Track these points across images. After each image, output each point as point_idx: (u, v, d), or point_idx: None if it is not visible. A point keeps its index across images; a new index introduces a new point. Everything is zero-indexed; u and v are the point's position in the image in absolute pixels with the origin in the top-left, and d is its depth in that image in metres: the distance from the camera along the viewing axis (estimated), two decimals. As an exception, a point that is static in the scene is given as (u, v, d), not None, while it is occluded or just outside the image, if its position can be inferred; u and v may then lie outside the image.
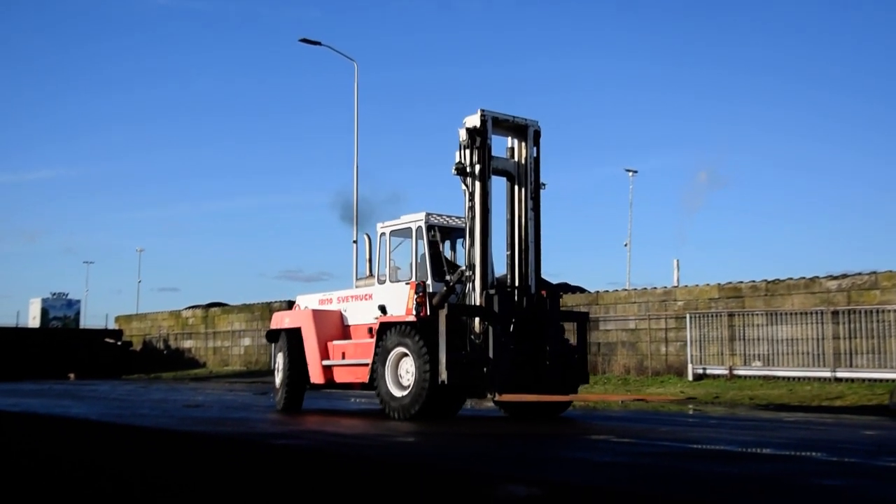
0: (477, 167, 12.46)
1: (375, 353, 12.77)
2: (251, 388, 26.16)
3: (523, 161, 12.97)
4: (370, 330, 13.49)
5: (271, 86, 72.24)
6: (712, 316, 23.69)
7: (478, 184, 12.46)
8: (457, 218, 13.90)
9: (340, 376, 14.18)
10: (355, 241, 28.16)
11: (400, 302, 13.04)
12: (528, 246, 12.75)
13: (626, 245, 31.84)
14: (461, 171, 12.49)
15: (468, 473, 7.38)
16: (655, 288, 26.13)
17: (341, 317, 14.61)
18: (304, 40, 27.91)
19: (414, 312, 12.41)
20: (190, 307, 44.25)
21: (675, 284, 29.43)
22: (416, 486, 6.65)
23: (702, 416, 14.94)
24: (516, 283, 12.75)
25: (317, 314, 14.60)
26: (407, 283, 13.04)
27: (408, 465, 8.02)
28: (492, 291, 12.24)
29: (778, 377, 21.58)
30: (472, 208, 12.46)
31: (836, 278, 23.02)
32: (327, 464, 8.08)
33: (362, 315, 14.09)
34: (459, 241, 14.07)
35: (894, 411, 15.03)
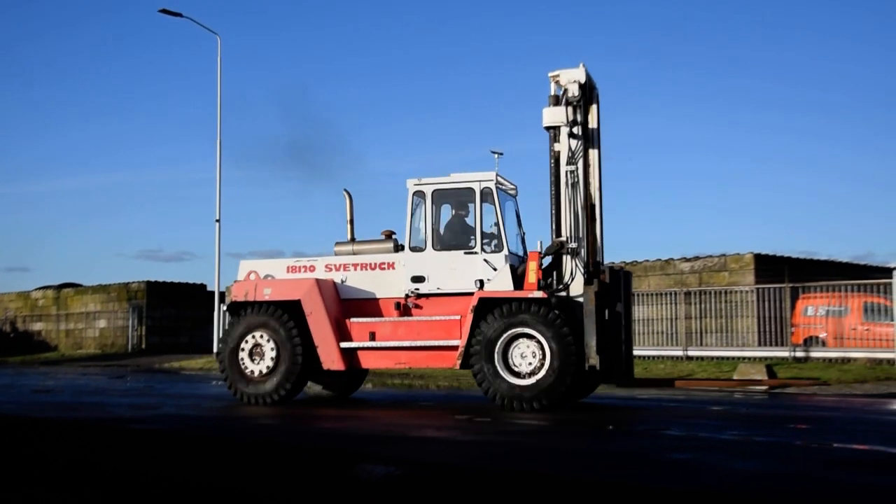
0: (579, 128, 11.26)
1: (475, 335, 10.95)
2: (106, 371, 25.22)
3: (595, 123, 11.61)
4: (398, 305, 11.73)
5: (132, 58, 69.43)
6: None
7: (582, 146, 11.27)
8: (504, 181, 12.26)
9: (369, 361, 11.96)
10: (218, 220, 27.40)
11: (453, 273, 11.45)
12: (598, 218, 11.47)
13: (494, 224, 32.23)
14: (569, 130, 11.22)
15: (334, 452, 7.34)
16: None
17: (335, 289, 12.15)
18: (164, 11, 26.87)
19: (539, 287, 10.87)
20: (40, 288, 42.17)
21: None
22: (278, 465, 6.57)
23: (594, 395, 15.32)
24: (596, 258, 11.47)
25: (322, 284, 11.94)
26: (492, 251, 11.41)
27: (266, 443, 7.91)
28: (618, 266, 11.38)
29: (635, 356, 22.33)
30: (573, 172, 11.19)
31: (689, 260, 24.07)
32: (186, 445, 7.87)
33: (380, 287, 11.94)
34: (507, 206, 12.19)
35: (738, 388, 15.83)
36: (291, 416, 11.13)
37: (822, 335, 20.62)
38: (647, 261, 24.26)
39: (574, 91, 11.23)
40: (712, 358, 20.97)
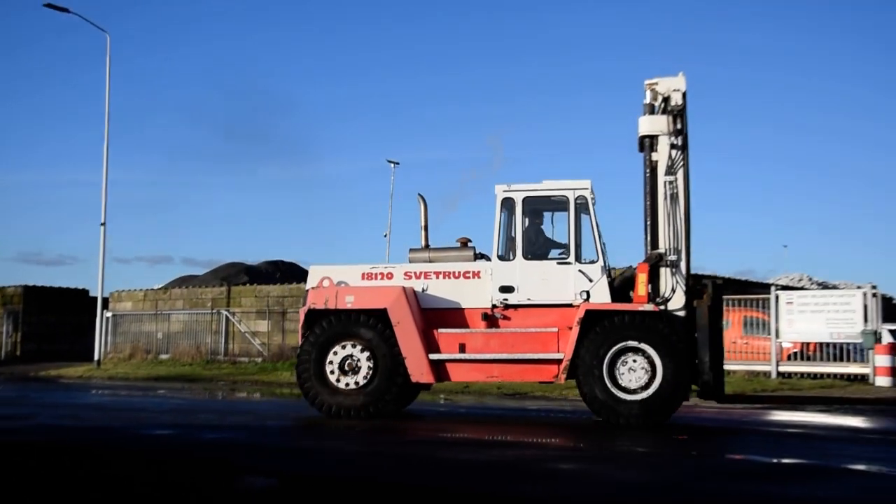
0: (681, 138, 11.06)
1: (582, 347, 10.49)
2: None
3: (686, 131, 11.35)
4: (485, 315, 11.21)
5: (17, 54, 66.59)
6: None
7: (683, 156, 11.06)
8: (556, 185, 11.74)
9: (460, 374, 11.37)
10: (103, 224, 26.46)
11: (545, 284, 11.01)
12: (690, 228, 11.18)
13: (385, 235, 32.10)
14: (676, 139, 10.99)
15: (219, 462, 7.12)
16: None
17: (416, 297, 11.47)
18: (50, 6, 25.83)
19: (650, 300, 10.61)
20: None
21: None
22: (160, 475, 6.33)
23: (452, 405, 15.35)
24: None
25: (409, 292, 11.34)
26: (587, 262, 11.00)
27: (158, 451, 7.62)
28: (719, 280, 11.11)
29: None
30: (673, 182, 10.93)
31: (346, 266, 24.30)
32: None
33: (465, 296, 11.36)
34: (558, 216, 11.77)
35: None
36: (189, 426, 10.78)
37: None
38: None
39: (678, 100, 11.06)
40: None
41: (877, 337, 19.75)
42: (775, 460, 7.93)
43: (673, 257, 10.79)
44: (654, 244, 10.89)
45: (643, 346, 10.25)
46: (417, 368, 11.09)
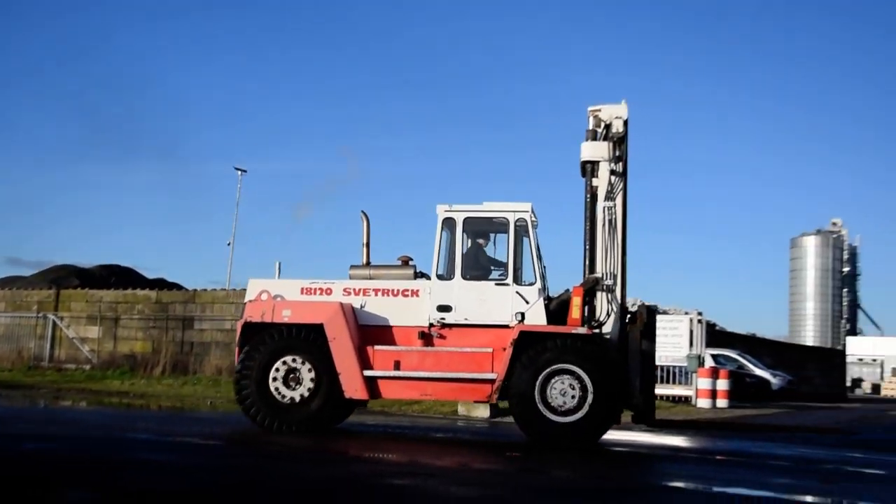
0: (621, 165, 11.19)
1: (515, 368, 10.41)
2: None
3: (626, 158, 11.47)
4: (422, 334, 11.13)
5: None
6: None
7: (622, 182, 11.17)
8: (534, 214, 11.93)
9: (393, 391, 11.31)
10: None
11: (482, 305, 11.00)
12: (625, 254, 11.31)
13: (229, 244, 31.34)
14: (616, 166, 11.10)
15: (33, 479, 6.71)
16: (255, 290, 26.12)
17: (354, 313, 11.37)
18: None
19: (584, 323, 10.58)
20: None
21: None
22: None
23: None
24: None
25: (346, 309, 11.25)
26: (525, 284, 11.04)
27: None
28: (652, 305, 11.09)
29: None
30: (611, 208, 11.05)
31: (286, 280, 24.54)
32: None
33: (402, 315, 11.30)
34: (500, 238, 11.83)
35: (463, 416, 16.35)
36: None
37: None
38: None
39: (619, 127, 11.16)
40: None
41: (700, 361, 20.80)
42: (600, 479, 8.19)
43: (609, 282, 10.92)
44: (592, 269, 11.00)
45: (575, 368, 10.27)
46: (351, 385, 10.99)
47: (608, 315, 10.88)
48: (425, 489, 6.89)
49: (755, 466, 9.93)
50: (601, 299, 10.93)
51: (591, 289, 10.83)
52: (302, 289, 11.68)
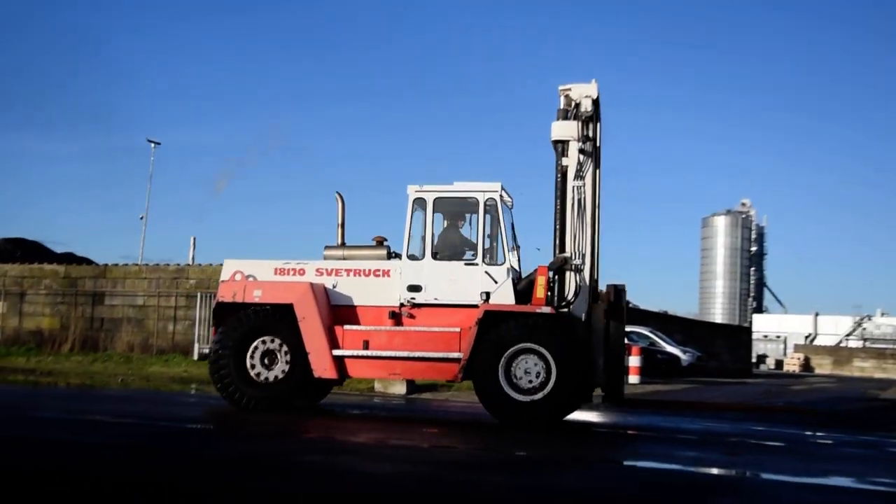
0: (590, 144, 11.04)
1: (480, 347, 10.34)
2: None
3: (599, 140, 11.36)
4: (392, 314, 11.13)
5: None
6: (223, 296, 23.76)
7: (590, 161, 11.03)
8: (507, 193, 11.78)
9: (361, 370, 11.34)
10: None
11: (452, 284, 10.93)
12: (598, 234, 11.27)
13: (141, 218, 30.64)
14: (585, 145, 10.94)
15: None
16: (168, 265, 25.52)
17: (327, 294, 11.39)
18: None
19: (548, 303, 10.46)
20: None
21: (189, 262, 29.08)
22: None
23: (203, 395, 14.90)
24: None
25: (317, 289, 11.27)
26: (494, 264, 10.96)
27: None
28: (620, 285, 10.79)
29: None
30: (580, 188, 10.86)
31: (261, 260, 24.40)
32: None
33: (374, 294, 11.29)
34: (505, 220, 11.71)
35: (379, 393, 16.38)
36: None
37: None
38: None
39: (587, 106, 11.01)
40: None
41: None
42: (523, 453, 8.31)
43: (577, 261, 10.83)
44: (562, 248, 10.94)
45: (538, 347, 10.26)
46: (321, 364, 11.02)
47: (576, 294, 10.79)
48: (340, 466, 6.88)
49: (665, 441, 10.21)
50: (570, 279, 10.85)
51: (559, 268, 10.83)
52: (275, 269, 11.72)
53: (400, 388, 16.05)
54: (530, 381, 10.25)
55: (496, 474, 6.85)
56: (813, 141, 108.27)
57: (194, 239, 30.59)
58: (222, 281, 11.83)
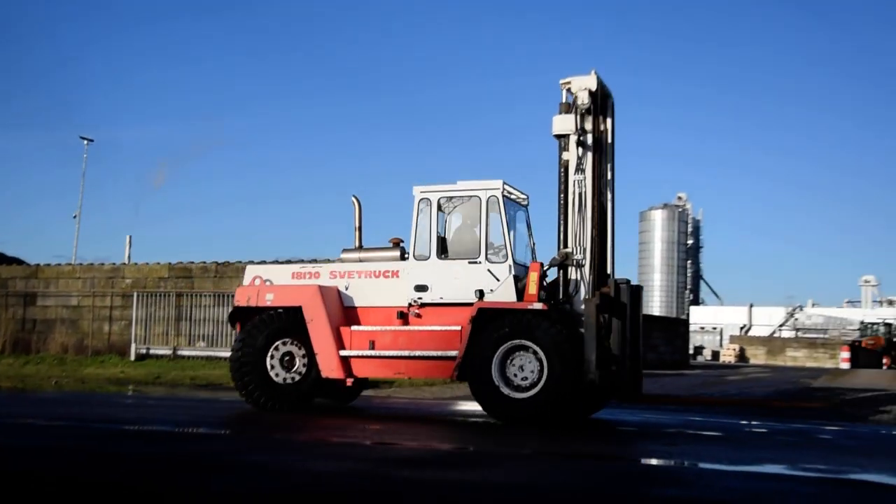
0: (590, 137, 10.81)
1: (474, 345, 10.33)
2: None
3: (606, 134, 11.15)
4: (400, 314, 11.18)
5: None
6: (160, 295, 23.39)
7: (592, 155, 10.80)
8: (514, 190, 11.68)
9: (367, 370, 11.41)
10: None
11: (457, 283, 10.87)
12: (609, 230, 11.06)
13: (75, 217, 29.99)
14: (578, 139, 10.71)
15: None
16: (103, 264, 25.07)
17: (339, 296, 11.59)
18: None
19: (540, 299, 10.33)
20: None
21: (125, 262, 28.61)
22: None
23: (141, 396, 14.67)
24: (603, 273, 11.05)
25: (325, 291, 11.45)
26: (499, 262, 10.82)
27: None
28: (622, 280, 10.58)
29: (221, 357, 22.06)
30: (581, 181, 10.71)
31: (281, 263, 24.25)
32: None
33: (383, 295, 11.37)
34: (518, 217, 11.84)
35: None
36: None
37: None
38: (240, 262, 24.10)
39: (584, 98, 10.81)
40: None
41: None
42: (460, 448, 8.35)
43: (579, 256, 10.68)
44: (565, 243, 10.85)
45: (530, 344, 10.21)
46: (328, 364, 11.23)
47: (576, 290, 10.70)
48: (281, 464, 6.84)
49: (605, 433, 10.35)
50: (571, 274, 10.76)
51: (562, 264, 10.77)
52: (293, 273, 12.05)
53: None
54: (525, 378, 10.24)
55: (426, 469, 6.86)
56: (746, 135, 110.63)
57: (130, 238, 30.09)
58: (241, 286, 12.22)
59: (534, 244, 11.94)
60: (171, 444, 8.24)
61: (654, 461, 7.89)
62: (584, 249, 10.71)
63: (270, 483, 5.95)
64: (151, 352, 22.82)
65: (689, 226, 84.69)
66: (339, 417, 11.37)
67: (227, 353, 21.96)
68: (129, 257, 28.49)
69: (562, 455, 8.27)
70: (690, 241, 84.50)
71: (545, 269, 10.85)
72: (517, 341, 10.26)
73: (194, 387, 16.64)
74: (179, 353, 22.55)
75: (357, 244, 12.32)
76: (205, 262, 24.07)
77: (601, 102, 11.04)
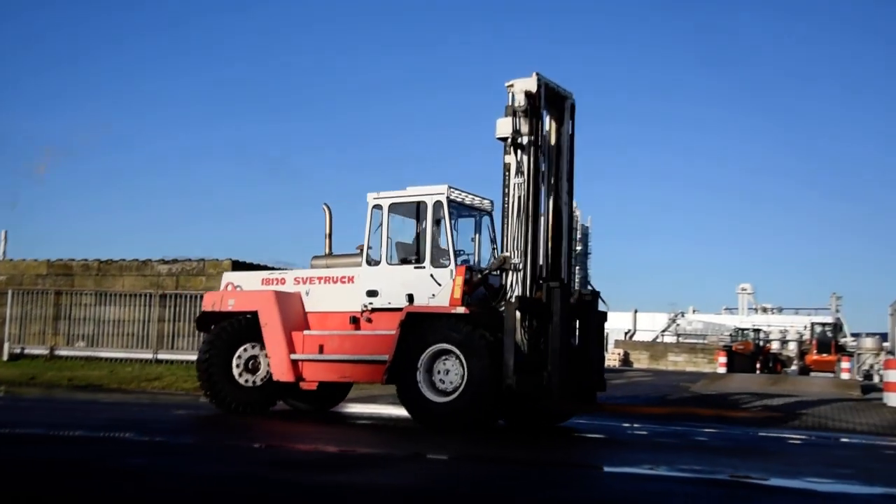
0: (526, 138, 10.43)
1: (401, 349, 10.32)
2: None
3: (561, 138, 10.91)
4: (352, 319, 11.31)
5: None
6: (38, 293, 22.48)
7: (528, 158, 10.42)
8: (477, 196, 11.60)
9: (316, 373, 11.45)
10: None
11: (404, 288, 10.83)
12: (564, 235, 10.86)
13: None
14: (514, 141, 10.37)
15: None
16: (-24, 260, 23.98)
17: (301, 301, 11.77)
18: None
19: (464, 303, 10.23)
20: None
21: (1, 257, 27.41)
22: None
23: (14, 398, 14.07)
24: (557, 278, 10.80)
25: (280, 296, 11.65)
26: (442, 267, 10.81)
27: None
28: (554, 284, 10.12)
29: (101, 358, 21.36)
30: (520, 184, 10.39)
31: (167, 263, 23.73)
32: None
33: (340, 300, 11.48)
34: (483, 223, 11.93)
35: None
36: None
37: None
38: (124, 260, 23.43)
39: (521, 101, 10.51)
40: (182, 361, 20.85)
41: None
42: (348, 450, 8.31)
43: (516, 260, 10.41)
44: (505, 247, 10.62)
45: (451, 348, 10.17)
46: (279, 367, 11.48)
47: (511, 294, 10.34)
48: (166, 468, 6.67)
49: (497, 439, 10.46)
50: (508, 278, 10.50)
51: (500, 267, 10.58)
52: (262, 280, 12.36)
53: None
54: (451, 383, 10.20)
55: (307, 472, 6.81)
56: (633, 143, 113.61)
57: (6, 233, 28.83)
58: (209, 292, 12.67)
59: (496, 249, 11.75)
60: (49, 447, 7.92)
61: (535, 464, 8.02)
62: (523, 253, 10.48)
63: (156, 487, 5.79)
64: (27, 351, 21.94)
65: (578, 233, 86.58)
66: (227, 421, 11.18)
67: (109, 354, 21.47)
68: (3, 253, 27.32)
69: (465, 458, 8.32)
70: (579, 248, 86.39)
71: (486, 272, 10.85)
72: (440, 346, 10.26)
73: (73, 388, 16.06)
74: (57, 353, 21.75)
75: (327, 251, 12.47)
76: (86, 260, 23.28)
77: (549, 104, 10.92)
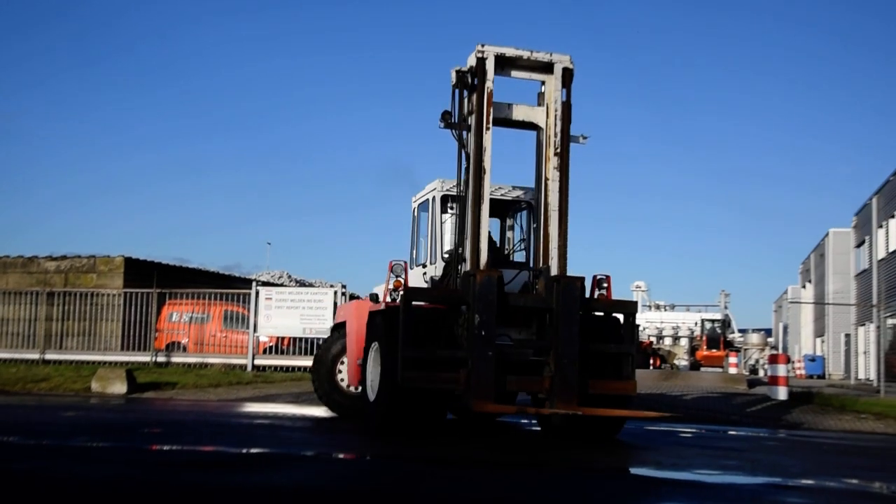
0: (472, 117, 9.44)
1: (364, 352, 10.34)
2: None
3: (550, 108, 9.65)
4: None
5: None
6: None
7: (471, 137, 9.47)
8: (515, 188, 11.02)
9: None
10: None
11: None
12: (549, 215, 9.52)
13: None
14: (447, 121, 9.56)
15: None
16: None
17: None
18: None
19: (389, 300, 10.09)
20: None
21: None
22: None
23: None
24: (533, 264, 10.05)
25: (359, 306, 11.56)
26: (418, 265, 11.11)
27: None
28: (472, 272, 8.90)
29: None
30: (467, 169, 9.48)
31: (55, 259, 22.94)
32: None
33: None
34: (520, 216, 11.44)
35: (97, 393, 15.48)
36: None
37: (185, 341, 21.26)
38: (9, 257, 22.55)
39: (453, 79, 9.62)
40: (72, 362, 20.19)
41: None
42: (244, 450, 8.19)
43: (460, 251, 9.71)
44: (460, 239, 9.90)
45: (375, 344, 9.92)
46: (350, 372, 11.66)
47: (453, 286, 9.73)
48: (52, 470, 6.44)
49: (420, 438, 10.45)
50: (454, 271, 9.82)
51: (451, 259, 9.96)
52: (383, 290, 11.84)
53: (120, 388, 15.30)
54: (372, 380, 9.87)
55: (222, 472, 6.71)
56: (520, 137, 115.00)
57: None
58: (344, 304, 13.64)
59: (526, 244, 11.00)
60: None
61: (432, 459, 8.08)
62: (464, 241, 9.65)
63: (36, 492, 5.59)
64: None
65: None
66: (116, 421, 10.86)
67: (31, 356, 20.56)
68: None
69: (362, 457, 8.30)
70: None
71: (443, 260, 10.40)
72: (374, 344, 9.96)
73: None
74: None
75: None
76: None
77: (543, 73, 9.74)
